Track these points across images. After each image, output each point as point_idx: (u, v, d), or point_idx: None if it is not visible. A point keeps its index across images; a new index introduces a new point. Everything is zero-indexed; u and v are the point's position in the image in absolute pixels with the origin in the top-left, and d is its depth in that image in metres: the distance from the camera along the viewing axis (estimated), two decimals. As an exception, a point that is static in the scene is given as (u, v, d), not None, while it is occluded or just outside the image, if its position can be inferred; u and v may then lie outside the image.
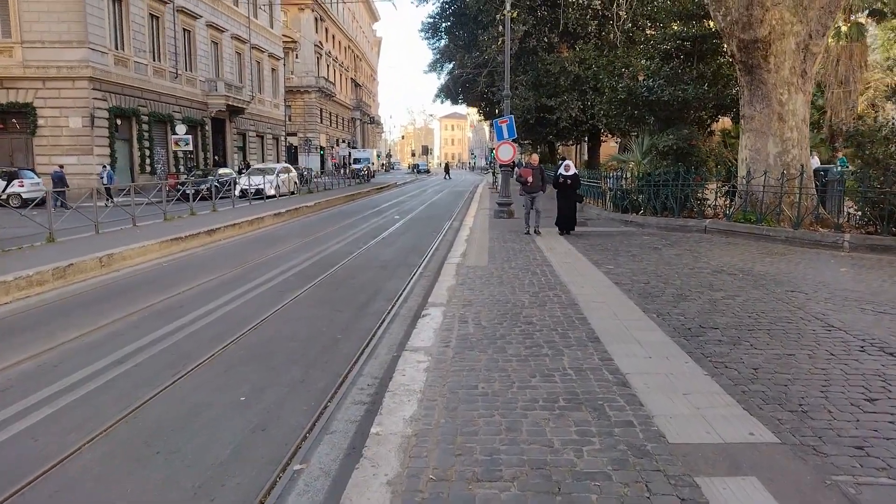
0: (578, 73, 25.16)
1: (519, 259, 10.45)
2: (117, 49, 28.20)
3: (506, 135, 17.60)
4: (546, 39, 28.22)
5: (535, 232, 13.35)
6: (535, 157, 14.26)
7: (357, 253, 12.76)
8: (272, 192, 26.41)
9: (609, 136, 32.14)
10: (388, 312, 7.84)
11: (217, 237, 14.92)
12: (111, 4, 27.54)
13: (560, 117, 25.45)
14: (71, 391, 5.16)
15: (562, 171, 13.39)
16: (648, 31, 26.69)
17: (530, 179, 13.16)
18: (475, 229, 15.06)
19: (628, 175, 17.01)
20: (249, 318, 7.47)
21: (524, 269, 9.40)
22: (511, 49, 18.52)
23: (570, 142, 33.47)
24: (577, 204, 14.02)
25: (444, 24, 32.59)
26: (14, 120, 26.09)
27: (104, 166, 24.90)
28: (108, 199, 19.64)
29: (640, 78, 16.77)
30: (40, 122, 25.92)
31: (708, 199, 14.77)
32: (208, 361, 5.90)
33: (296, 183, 31.54)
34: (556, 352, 5.29)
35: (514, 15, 18.89)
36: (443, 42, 35.79)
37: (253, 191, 25.13)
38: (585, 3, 28.64)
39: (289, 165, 34.78)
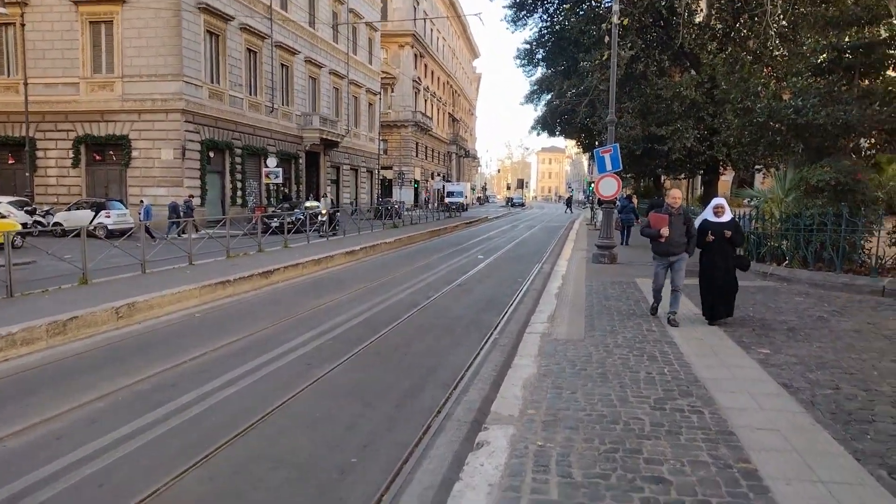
0: (695, 97, 21.95)
1: (627, 328, 7.76)
2: (213, 82, 28.23)
3: (609, 166, 14.94)
4: (656, 63, 25.28)
5: (669, 322, 7.98)
6: (677, 194, 8.25)
7: (423, 305, 10.51)
8: None
9: (726, 169, 28.41)
10: (437, 413, 5.46)
11: (274, 279, 13.23)
12: (208, 39, 27.66)
13: (672, 147, 22.23)
14: None
15: (708, 215, 8.04)
16: (777, 52, 23.13)
17: (665, 232, 7.95)
18: (569, 278, 12.43)
19: (763, 216, 13.76)
20: (244, 415, 5.34)
21: (636, 348, 6.72)
22: (616, 75, 15.97)
23: (682, 175, 29.84)
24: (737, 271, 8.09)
25: (540, 51, 30.37)
26: (111, 152, 26.49)
27: (141, 201, 24.06)
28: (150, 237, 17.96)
29: (786, 97, 13.61)
30: (134, 153, 26.12)
31: (876, 250, 11.28)
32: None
33: None
34: (720, 582, 2.68)
35: (625, 23, 16.28)
36: (539, 69, 33.53)
37: None
38: (704, 22, 25.49)
39: None
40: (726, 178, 32.56)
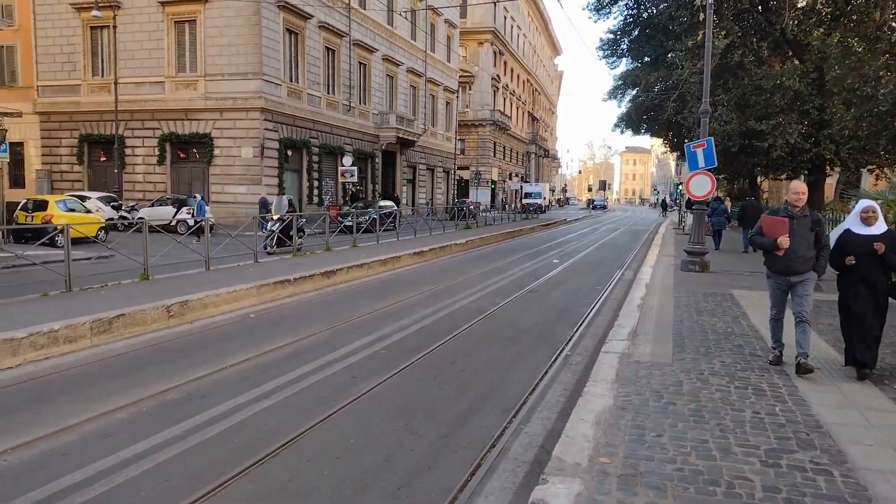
0: (800, 88, 19.84)
1: (724, 351, 6.59)
2: (291, 81, 28.51)
3: (702, 163, 13.50)
4: (754, 52, 23.11)
5: (801, 367, 5.70)
6: (800, 188, 5.99)
7: (489, 313, 9.65)
8: None
9: (833, 168, 25.66)
10: (491, 447, 4.60)
11: (337, 279, 12.76)
12: (287, 37, 27.94)
13: (773, 144, 20.20)
14: None
15: (853, 224, 5.87)
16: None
17: (784, 242, 5.76)
18: (654, 288, 11.19)
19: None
20: (269, 437, 4.69)
21: (738, 378, 5.58)
22: (709, 64, 14.48)
23: (783, 176, 27.29)
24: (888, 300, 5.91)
25: (625, 41, 28.74)
26: (194, 150, 27.25)
27: (194, 197, 21.82)
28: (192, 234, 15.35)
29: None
30: (216, 151, 26.72)
31: None
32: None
33: None
34: None
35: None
36: (623, 62, 31.83)
37: None
38: (808, 5, 23.12)
39: None
40: (830, 180, 29.60)
